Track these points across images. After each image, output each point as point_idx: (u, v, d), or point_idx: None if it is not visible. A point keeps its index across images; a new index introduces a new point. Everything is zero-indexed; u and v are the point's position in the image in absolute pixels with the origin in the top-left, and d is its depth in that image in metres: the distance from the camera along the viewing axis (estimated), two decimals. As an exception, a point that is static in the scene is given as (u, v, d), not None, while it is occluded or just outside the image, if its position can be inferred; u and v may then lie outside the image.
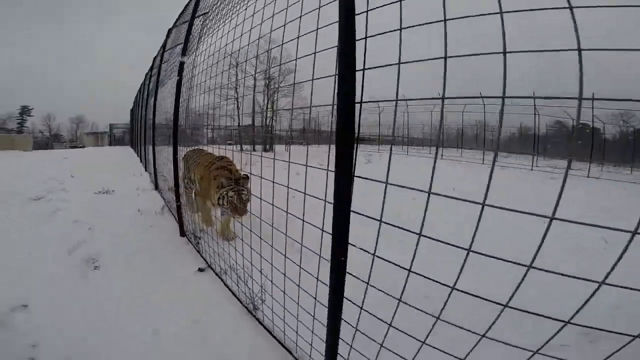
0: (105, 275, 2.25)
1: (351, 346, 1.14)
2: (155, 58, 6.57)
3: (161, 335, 1.62)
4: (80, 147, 30.59)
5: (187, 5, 3.76)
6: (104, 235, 2.98)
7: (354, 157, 0.92)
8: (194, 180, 3.18)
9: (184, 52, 3.29)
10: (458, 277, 0.84)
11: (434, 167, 0.81)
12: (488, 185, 0.75)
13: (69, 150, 22.32)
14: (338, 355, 1.19)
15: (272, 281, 1.62)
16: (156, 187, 5.33)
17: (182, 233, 3.01)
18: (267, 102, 16.72)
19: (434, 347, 0.95)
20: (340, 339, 1.16)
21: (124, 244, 2.76)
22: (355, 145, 0.91)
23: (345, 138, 0.90)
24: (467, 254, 0.81)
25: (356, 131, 0.91)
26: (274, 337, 1.60)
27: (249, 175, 2.67)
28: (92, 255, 2.53)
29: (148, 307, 1.86)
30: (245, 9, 1.84)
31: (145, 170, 7.83)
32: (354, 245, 1.00)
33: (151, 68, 7.17)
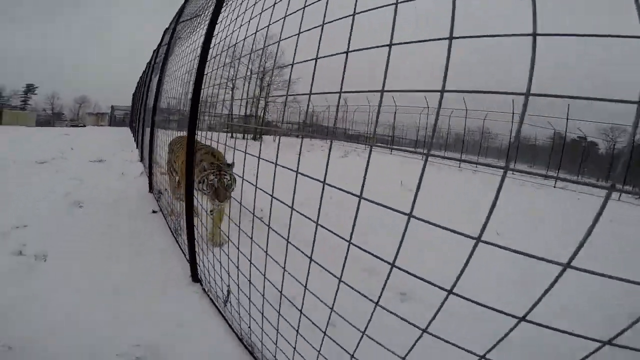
0: (85, 211, 3.19)
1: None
2: (154, 51, 7.55)
3: (115, 238, 2.57)
4: (81, 126, 31.28)
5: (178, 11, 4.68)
6: (91, 188, 3.94)
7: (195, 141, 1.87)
8: (176, 168, 3.18)
9: (166, 54, 4.26)
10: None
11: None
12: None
13: (69, 128, 23.06)
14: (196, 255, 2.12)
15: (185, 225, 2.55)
16: (141, 159, 6.30)
17: (150, 189, 3.98)
18: (260, 93, 17.70)
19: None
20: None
21: (104, 194, 3.72)
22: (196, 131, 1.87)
23: (192, 134, 1.86)
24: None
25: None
26: (179, 246, 2.54)
27: (234, 162, 2.59)
28: (79, 199, 3.47)
29: (110, 227, 2.80)
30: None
31: (137, 148, 8.78)
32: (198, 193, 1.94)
33: (150, 60, 8.14)
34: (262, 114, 18.79)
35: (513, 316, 0.62)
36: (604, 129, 21.99)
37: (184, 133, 4.14)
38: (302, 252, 1.10)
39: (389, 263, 0.82)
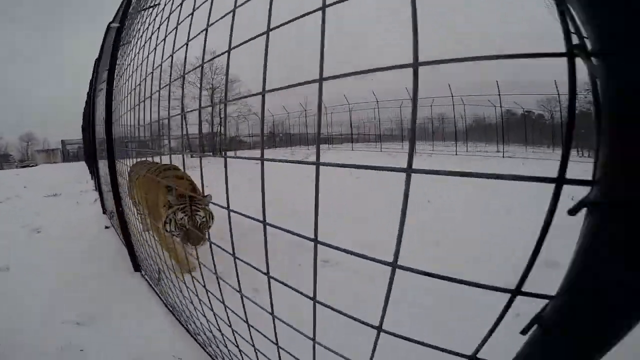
0: (43, 235, 3.62)
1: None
2: (90, 81, 7.83)
3: (72, 249, 3.05)
4: (32, 165, 29.93)
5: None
6: (48, 217, 4.34)
7: (113, 152, 2.43)
8: (139, 201, 2.51)
9: (93, 93, 4.71)
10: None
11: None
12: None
13: (20, 169, 22.10)
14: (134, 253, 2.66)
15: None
16: (96, 188, 6.63)
17: (104, 211, 4.44)
18: (212, 111, 18.07)
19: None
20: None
21: (60, 220, 4.14)
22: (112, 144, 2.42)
23: (110, 142, 2.42)
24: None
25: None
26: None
27: (210, 195, 1.97)
28: (37, 227, 3.89)
29: (67, 242, 3.27)
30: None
31: (92, 178, 8.99)
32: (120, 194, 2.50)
33: (88, 91, 8.39)
34: (219, 129, 19.17)
35: (386, 263, 0.52)
36: (542, 100, 23.45)
37: (143, 159, 4.32)
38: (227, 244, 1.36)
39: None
